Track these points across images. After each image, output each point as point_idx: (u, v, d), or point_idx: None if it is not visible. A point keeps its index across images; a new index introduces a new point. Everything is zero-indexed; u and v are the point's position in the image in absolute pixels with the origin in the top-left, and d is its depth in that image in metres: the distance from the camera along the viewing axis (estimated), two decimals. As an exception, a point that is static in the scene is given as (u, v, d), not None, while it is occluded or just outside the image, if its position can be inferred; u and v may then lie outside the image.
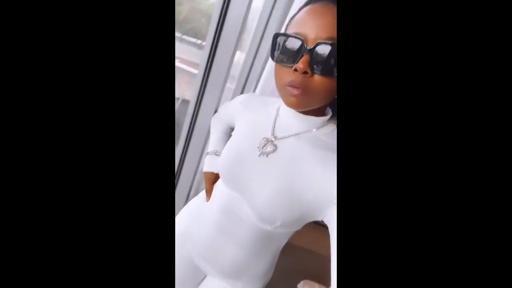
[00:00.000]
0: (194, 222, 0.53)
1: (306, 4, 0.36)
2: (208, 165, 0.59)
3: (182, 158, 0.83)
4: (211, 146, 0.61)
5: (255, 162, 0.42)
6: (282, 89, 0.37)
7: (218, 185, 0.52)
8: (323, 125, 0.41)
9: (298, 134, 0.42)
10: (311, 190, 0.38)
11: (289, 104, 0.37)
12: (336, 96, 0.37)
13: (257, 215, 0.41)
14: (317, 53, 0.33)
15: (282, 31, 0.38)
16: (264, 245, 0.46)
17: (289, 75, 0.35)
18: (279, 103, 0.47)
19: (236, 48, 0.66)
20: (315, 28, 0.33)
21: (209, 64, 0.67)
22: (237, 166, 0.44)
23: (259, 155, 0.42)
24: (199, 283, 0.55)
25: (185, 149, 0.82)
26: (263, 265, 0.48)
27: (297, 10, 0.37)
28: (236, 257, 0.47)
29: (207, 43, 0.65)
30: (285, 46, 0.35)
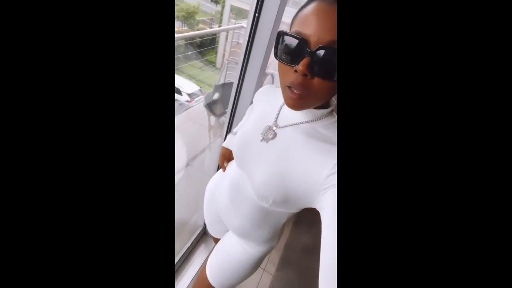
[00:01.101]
0: (218, 187, 0.64)
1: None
2: (226, 142, 0.72)
3: (228, 129, 1.00)
4: (236, 128, 0.72)
5: (257, 146, 0.47)
6: (283, 88, 0.39)
7: (233, 162, 0.60)
8: (323, 117, 0.44)
9: (297, 124, 0.45)
10: (300, 176, 0.41)
11: (288, 105, 0.39)
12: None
13: (255, 192, 0.48)
14: (318, 57, 0.33)
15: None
16: (263, 218, 0.52)
17: (290, 75, 0.36)
18: None
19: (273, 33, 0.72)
20: (318, 30, 0.33)
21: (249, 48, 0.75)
22: (244, 148, 0.50)
23: (261, 140, 0.47)
24: (226, 231, 0.68)
25: (230, 122, 0.97)
26: (265, 234, 0.56)
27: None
28: (240, 224, 0.56)
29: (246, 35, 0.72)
30: (288, 45, 0.35)
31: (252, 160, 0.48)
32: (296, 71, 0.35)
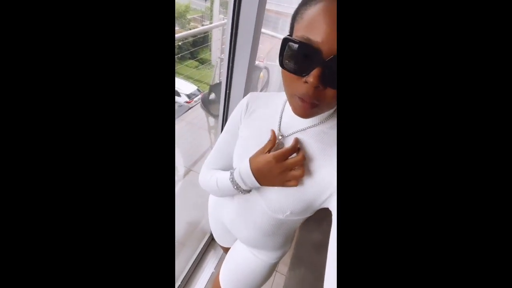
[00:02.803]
0: (224, 199, 0.58)
1: None
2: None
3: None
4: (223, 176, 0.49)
5: None
6: (291, 97, 0.35)
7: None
8: (329, 118, 0.41)
9: (303, 129, 0.42)
10: (313, 182, 0.40)
11: (297, 114, 0.36)
12: None
13: (269, 207, 0.45)
14: (331, 66, 0.29)
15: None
16: (276, 229, 0.49)
17: (299, 87, 0.32)
18: (284, 98, 0.46)
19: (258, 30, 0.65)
20: (330, 36, 0.28)
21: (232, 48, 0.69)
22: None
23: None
24: (235, 240, 0.66)
25: (223, 124, 0.92)
26: (278, 241, 0.53)
27: None
28: (251, 236, 0.53)
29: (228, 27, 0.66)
30: (296, 54, 0.31)
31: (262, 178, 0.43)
32: (306, 82, 0.31)
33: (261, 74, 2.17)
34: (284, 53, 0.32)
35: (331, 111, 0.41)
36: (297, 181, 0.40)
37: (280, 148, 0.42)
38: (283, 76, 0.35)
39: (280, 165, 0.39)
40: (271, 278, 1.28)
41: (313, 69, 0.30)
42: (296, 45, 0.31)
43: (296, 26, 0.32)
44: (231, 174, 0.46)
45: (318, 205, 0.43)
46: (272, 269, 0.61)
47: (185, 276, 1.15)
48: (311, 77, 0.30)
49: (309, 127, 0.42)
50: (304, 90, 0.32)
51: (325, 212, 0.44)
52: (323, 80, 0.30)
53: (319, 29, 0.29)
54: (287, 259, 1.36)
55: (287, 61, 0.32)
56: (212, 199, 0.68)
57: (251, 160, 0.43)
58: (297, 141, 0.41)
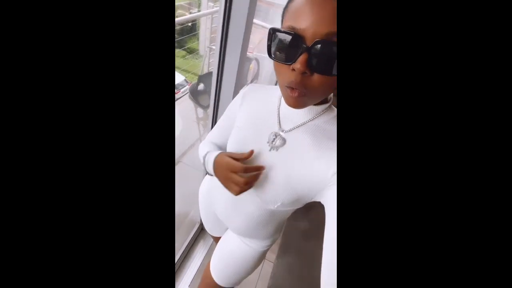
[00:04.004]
0: (216, 189, 0.59)
1: None
2: (206, 153, 0.54)
3: (213, 123, 0.95)
4: (213, 134, 0.59)
5: (266, 156, 0.45)
6: (282, 88, 0.37)
7: None
8: (323, 112, 0.43)
9: (301, 124, 0.43)
10: (308, 177, 0.41)
11: (289, 105, 0.37)
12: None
13: (260, 197, 0.47)
14: (316, 52, 0.31)
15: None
16: (267, 219, 0.51)
17: (288, 75, 0.34)
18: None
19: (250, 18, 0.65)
20: (313, 23, 0.30)
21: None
22: (248, 160, 0.46)
23: (270, 150, 0.44)
24: (226, 229, 0.68)
25: (215, 114, 0.92)
26: (269, 231, 0.56)
27: None
28: (242, 225, 0.55)
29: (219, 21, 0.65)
30: (282, 43, 0.33)
31: None
32: (293, 69, 0.32)
33: (251, 65, 2.14)
34: (272, 44, 0.34)
35: (326, 105, 0.42)
36: (233, 191, 0.44)
37: (280, 144, 0.44)
38: (275, 68, 0.37)
39: (228, 173, 0.45)
40: (259, 266, 1.32)
41: (299, 55, 0.31)
42: (281, 34, 0.33)
43: (284, 19, 0.34)
44: (205, 154, 0.53)
45: (309, 198, 0.44)
46: (262, 256, 0.63)
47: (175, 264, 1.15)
48: (298, 63, 0.31)
49: (306, 122, 0.43)
50: (292, 78, 0.33)
51: (313, 201, 0.45)
52: (309, 66, 0.32)
53: (302, 17, 0.31)
54: (275, 247, 1.41)
55: (275, 51, 0.34)
56: (202, 189, 0.69)
57: (220, 154, 0.49)
58: (257, 168, 0.44)
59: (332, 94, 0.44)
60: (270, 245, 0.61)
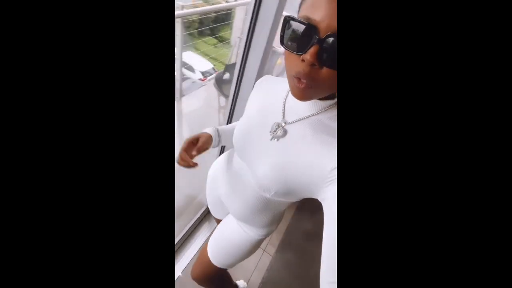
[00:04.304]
0: (221, 172, 0.64)
1: None
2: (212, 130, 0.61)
3: (231, 113, 0.97)
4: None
5: (265, 144, 0.46)
6: (290, 78, 0.37)
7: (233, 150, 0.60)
8: (329, 108, 0.42)
9: (305, 118, 0.43)
10: (305, 170, 0.41)
11: (294, 95, 0.37)
12: None
13: (257, 183, 0.49)
14: (327, 45, 0.30)
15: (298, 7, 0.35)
16: (263, 206, 0.54)
17: (297, 65, 0.33)
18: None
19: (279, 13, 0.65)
20: (328, 15, 0.29)
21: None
22: (247, 142, 0.50)
23: (271, 139, 0.46)
24: (228, 213, 0.71)
25: (233, 106, 0.94)
26: (265, 219, 0.58)
27: None
28: (240, 210, 0.58)
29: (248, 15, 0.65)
30: (295, 32, 0.32)
31: (256, 155, 0.48)
32: (303, 60, 0.32)
33: (279, 60, 2.12)
34: (285, 31, 0.34)
35: (331, 102, 0.42)
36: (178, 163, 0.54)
37: (281, 135, 0.45)
38: (285, 56, 0.37)
39: (182, 147, 0.56)
40: (258, 256, 1.35)
41: (311, 47, 0.31)
42: (295, 23, 0.32)
43: (301, 8, 0.34)
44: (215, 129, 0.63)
45: (305, 192, 0.44)
46: (257, 245, 0.65)
47: (178, 242, 1.23)
48: (308, 55, 0.31)
49: (309, 116, 0.43)
50: (300, 68, 0.33)
51: (320, 203, 0.45)
52: (319, 58, 0.31)
53: (318, 8, 0.30)
54: (275, 242, 1.43)
55: (287, 40, 0.34)
56: (210, 172, 0.72)
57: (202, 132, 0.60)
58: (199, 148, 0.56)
59: None
60: (266, 235, 0.63)
